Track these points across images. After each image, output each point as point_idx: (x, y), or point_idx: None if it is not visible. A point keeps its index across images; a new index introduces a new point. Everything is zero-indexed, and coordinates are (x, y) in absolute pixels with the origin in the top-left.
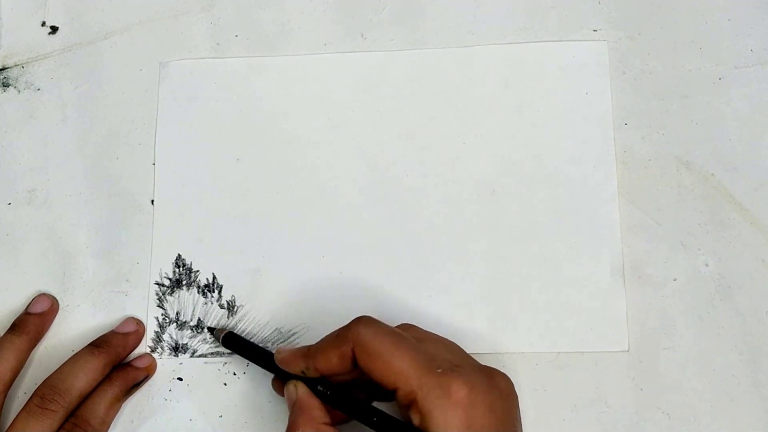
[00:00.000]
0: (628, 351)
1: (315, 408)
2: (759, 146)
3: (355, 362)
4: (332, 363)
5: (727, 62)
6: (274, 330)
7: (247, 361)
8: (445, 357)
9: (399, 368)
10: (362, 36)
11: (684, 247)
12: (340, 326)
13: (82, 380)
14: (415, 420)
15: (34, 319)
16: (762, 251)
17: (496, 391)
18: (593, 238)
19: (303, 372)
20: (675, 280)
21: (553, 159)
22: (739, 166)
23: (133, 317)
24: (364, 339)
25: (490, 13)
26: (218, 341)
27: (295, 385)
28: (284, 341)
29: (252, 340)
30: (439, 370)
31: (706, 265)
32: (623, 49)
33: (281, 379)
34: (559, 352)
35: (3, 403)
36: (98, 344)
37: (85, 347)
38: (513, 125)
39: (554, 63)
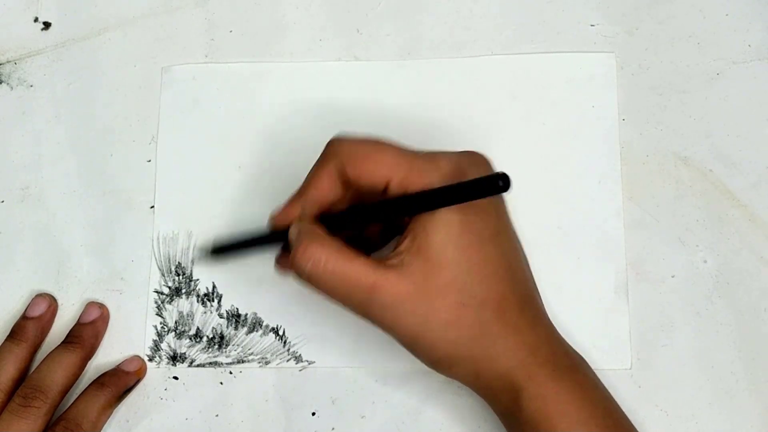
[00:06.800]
0: (630, 369)
1: (319, 230)
2: (757, 142)
3: (343, 184)
4: (324, 186)
5: (726, 57)
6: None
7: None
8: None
9: (389, 158)
10: (357, 31)
11: (682, 244)
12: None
13: (61, 376)
14: None
15: (33, 324)
16: (760, 248)
17: (478, 165)
18: (598, 255)
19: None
20: (673, 276)
21: (558, 173)
22: (738, 161)
23: (92, 302)
24: (349, 147)
25: (485, 5)
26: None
27: (296, 225)
28: (284, 351)
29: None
30: (425, 152)
31: (705, 261)
32: (621, 44)
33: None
34: None
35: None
36: (71, 340)
37: (59, 345)
38: (518, 137)
39: (561, 75)
